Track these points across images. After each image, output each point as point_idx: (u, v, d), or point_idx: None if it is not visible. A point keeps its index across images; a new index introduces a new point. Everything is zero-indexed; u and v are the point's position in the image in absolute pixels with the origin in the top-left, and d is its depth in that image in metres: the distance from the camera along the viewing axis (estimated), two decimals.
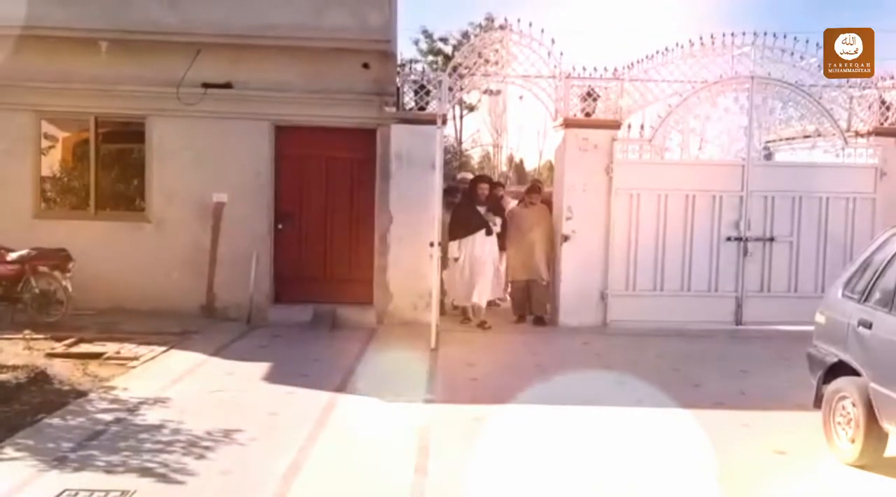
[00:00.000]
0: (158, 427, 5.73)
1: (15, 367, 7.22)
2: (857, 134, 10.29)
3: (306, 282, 10.18)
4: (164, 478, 4.79)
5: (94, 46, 9.51)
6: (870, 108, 10.30)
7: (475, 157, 39.22)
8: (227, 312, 9.99)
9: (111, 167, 10.36)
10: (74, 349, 8.14)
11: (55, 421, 5.86)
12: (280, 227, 10.20)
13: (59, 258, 9.20)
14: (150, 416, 6.02)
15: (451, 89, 10.07)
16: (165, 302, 9.81)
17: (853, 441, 5.32)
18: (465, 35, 31.18)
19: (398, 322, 9.91)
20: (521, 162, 39.30)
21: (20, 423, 5.78)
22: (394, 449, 5.43)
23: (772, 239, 10.14)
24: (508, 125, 37.74)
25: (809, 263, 10.22)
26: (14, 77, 9.54)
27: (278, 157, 10.11)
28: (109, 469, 4.91)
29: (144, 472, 4.87)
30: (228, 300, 10.02)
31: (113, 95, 9.78)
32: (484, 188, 10.08)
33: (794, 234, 10.19)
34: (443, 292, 10.11)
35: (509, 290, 10.80)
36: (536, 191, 10.53)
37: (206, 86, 9.79)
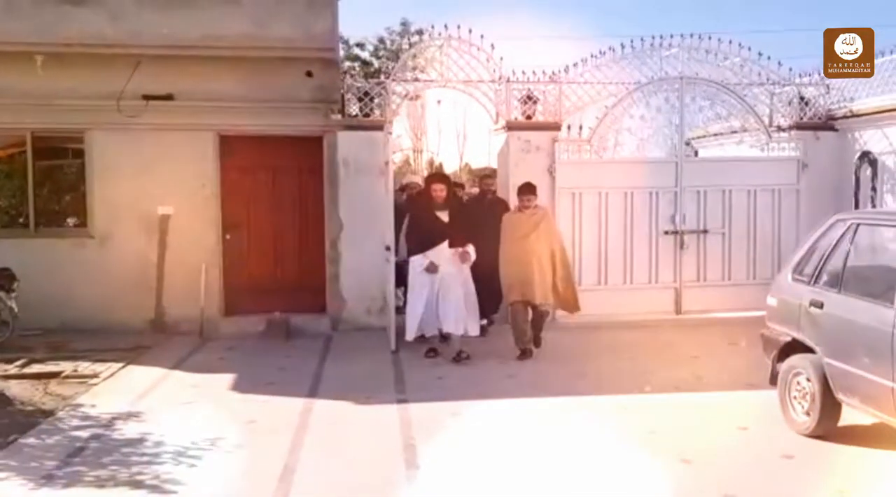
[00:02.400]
0: (139, 440, 5.71)
1: None
2: (780, 129, 10.86)
3: (257, 292, 10.12)
4: (157, 489, 4.81)
5: (30, 60, 9.27)
6: (790, 104, 10.91)
7: (396, 161, 39.42)
8: (177, 326, 9.86)
9: (50, 183, 10.11)
10: (28, 370, 7.95)
11: (31, 441, 5.77)
12: (228, 237, 10.13)
13: (3, 278, 8.95)
14: (127, 430, 5.99)
15: (391, 96, 10.21)
16: (113, 318, 9.62)
17: (809, 413, 5.71)
18: (382, 41, 31.13)
19: (352, 328, 9.96)
20: (441, 165, 39.74)
21: None
22: (380, 447, 5.57)
23: (705, 231, 10.62)
24: (428, 129, 38.06)
25: (741, 253, 10.75)
26: None
27: (224, 167, 10.04)
28: (100, 484, 4.90)
29: (137, 484, 4.87)
30: (178, 314, 9.90)
31: (50, 110, 9.54)
32: (439, 189, 8.31)
33: (725, 226, 10.69)
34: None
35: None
36: (531, 191, 8.49)
37: (147, 98, 9.66)
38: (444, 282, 8.15)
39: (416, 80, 10.31)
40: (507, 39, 13.08)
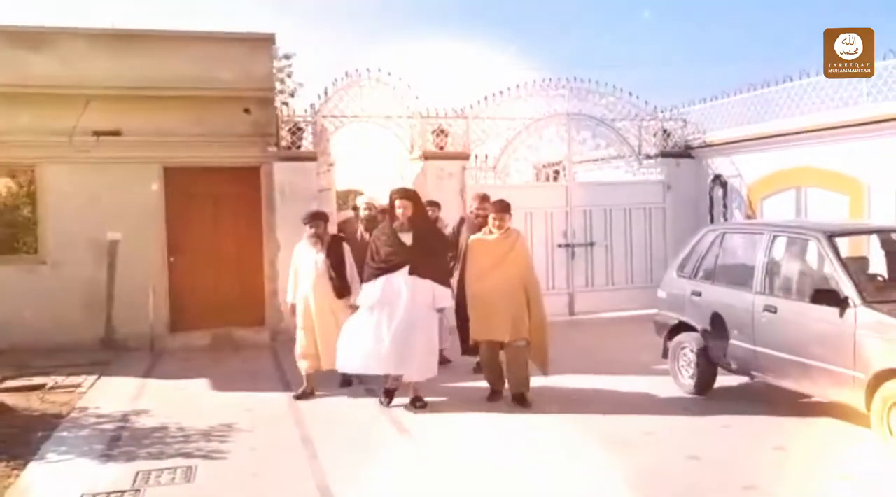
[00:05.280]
0: (164, 428, 6.73)
1: None
2: (648, 156, 12.92)
3: (201, 309, 11.01)
4: (208, 457, 5.94)
5: None
6: (655, 135, 13.01)
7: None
8: (126, 343, 10.63)
9: (3, 212, 10.74)
10: (8, 384, 8.62)
11: (64, 434, 6.68)
12: (172, 260, 11.03)
13: None
14: (145, 422, 6.98)
15: (324, 130, 11.49)
16: (65, 338, 10.25)
17: (693, 377, 7.48)
18: None
19: (290, 338, 10.75)
20: None
21: (30, 439, 6.52)
22: (372, 422, 6.83)
23: (592, 244, 12.51)
24: None
25: (620, 261, 12.72)
26: None
27: (169, 196, 10.93)
28: (156, 457, 5.97)
29: (187, 455, 5.98)
30: (127, 332, 10.68)
31: (2, 145, 10.21)
32: (405, 205, 7.12)
33: (607, 239, 12.63)
34: None
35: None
36: (506, 209, 7.44)
37: (97, 133, 10.46)
38: (405, 319, 6.98)
39: (344, 115, 11.59)
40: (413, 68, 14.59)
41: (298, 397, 7.74)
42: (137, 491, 5.30)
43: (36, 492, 5.41)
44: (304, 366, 7.90)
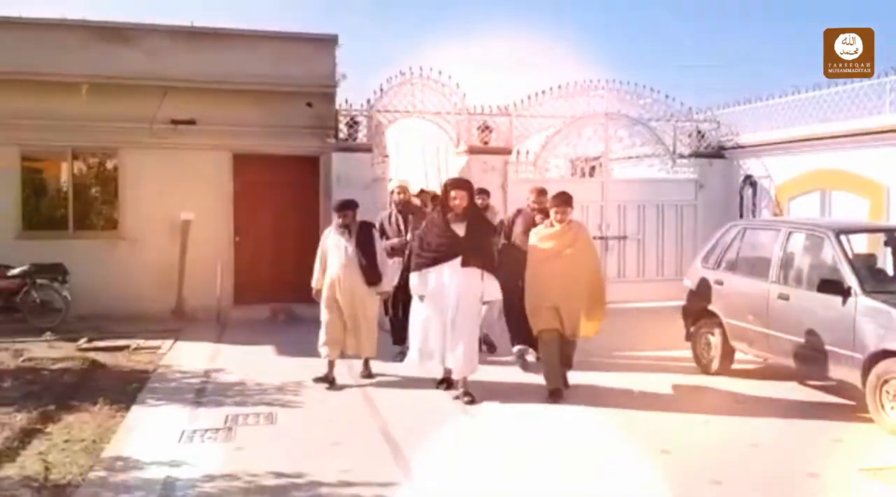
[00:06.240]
0: (241, 383, 7.70)
1: (63, 359, 8.76)
2: (682, 156, 13.63)
3: (261, 285, 12.05)
4: (285, 406, 6.89)
5: (75, 88, 11.01)
6: (689, 136, 13.72)
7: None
8: (194, 314, 11.67)
9: (87, 192, 11.85)
10: (96, 345, 9.67)
11: (156, 385, 7.68)
12: (238, 239, 12.05)
13: (58, 271, 10.64)
14: (224, 378, 7.95)
15: (379, 124, 12.41)
16: (139, 307, 11.35)
17: (713, 359, 8.27)
18: None
19: None
20: None
21: (126, 390, 7.51)
22: (425, 389, 7.59)
23: (625, 237, 13.27)
24: None
25: (652, 255, 13.46)
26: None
27: (236, 180, 11.98)
28: (240, 404, 6.94)
29: (268, 404, 6.95)
30: (195, 304, 11.72)
31: (89, 130, 11.30)
32: (459, 196, 7.09)
33: (640, 233, 13.37)
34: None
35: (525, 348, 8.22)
36: (568, 202, 7.43)
37: (174, 122, 11.52)
38: (454, 312, 7.02)
39: (397, 111, 12.49)
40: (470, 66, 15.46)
41: (318, 380, 7.71)
42: (230, 429, 6.28)
43: (143, 427, 6.38)
44: (324, 352, 7.84)
